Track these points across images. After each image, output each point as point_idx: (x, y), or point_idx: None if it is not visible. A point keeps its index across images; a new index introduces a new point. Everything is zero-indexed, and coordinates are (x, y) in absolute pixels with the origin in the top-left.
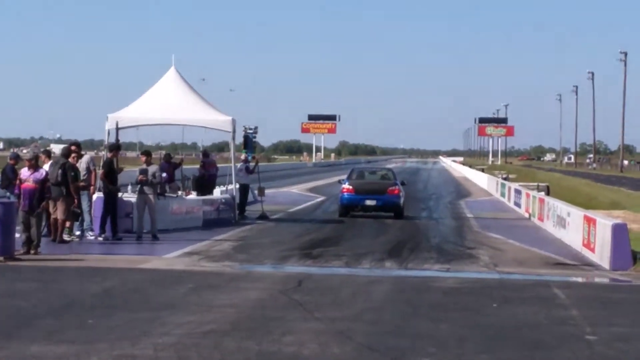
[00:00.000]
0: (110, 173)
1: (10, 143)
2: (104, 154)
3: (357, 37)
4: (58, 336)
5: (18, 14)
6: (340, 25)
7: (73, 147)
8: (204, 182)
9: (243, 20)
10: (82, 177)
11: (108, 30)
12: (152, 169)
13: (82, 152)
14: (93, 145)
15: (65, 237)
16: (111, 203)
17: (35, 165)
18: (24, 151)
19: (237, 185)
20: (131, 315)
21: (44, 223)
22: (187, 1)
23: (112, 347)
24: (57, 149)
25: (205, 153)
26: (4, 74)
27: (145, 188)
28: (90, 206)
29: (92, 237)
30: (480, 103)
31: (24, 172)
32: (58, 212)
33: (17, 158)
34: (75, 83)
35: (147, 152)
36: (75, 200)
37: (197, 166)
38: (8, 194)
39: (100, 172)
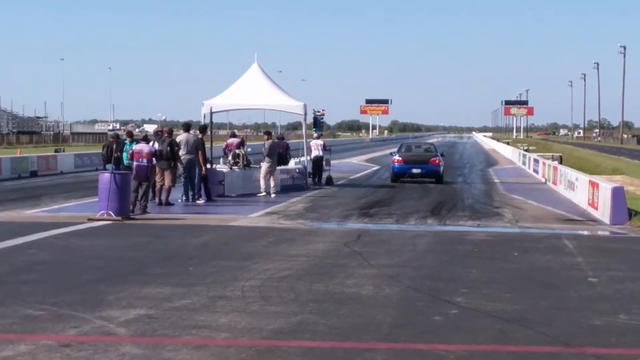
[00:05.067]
0: (202, 149)
1: (125, 124)
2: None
3: (404, 33)
4: (164, 280)
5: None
6: (391, 25)
7: (165, 129)
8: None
9: (314, 22)
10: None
11: (202, 32)
12: (268, 143)
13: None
14: (191, 125)
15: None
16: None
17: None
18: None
19: (310, 158)
20: (223, 264)
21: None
22: (267, 9)
23: (208, 289)
24: (149, 128)
25: (280, 136)
26: (123, 67)
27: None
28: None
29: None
30: (506, 88)
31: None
32: (166, 180)
33: (116, 137)
34: (176, 76)
35: (268, 132)
36: (183, 169)
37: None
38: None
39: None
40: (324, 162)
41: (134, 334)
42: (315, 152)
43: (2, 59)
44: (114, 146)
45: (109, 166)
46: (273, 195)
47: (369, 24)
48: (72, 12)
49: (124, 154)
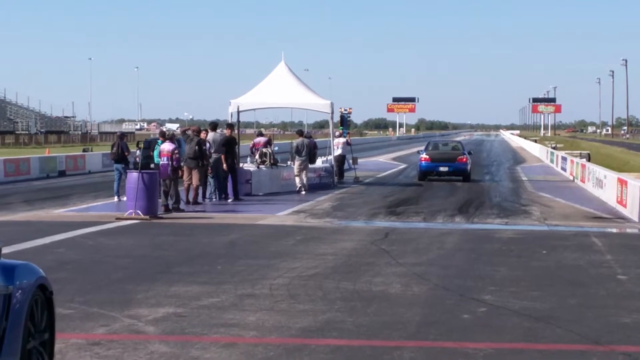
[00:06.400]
0: (229, 147)
1: (151, 123)
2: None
3: (431, 30)
4: (192, 279)
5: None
6: (418, 23)
7: (193, 128)
8: None
9: (340, 20)
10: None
11: (230, 31)
12: (301, 141)
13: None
14: (218, 124)
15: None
16: (232, 172)
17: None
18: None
19: (334, 155)
20: (251, 262)
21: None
22: (293, 7)
23: (236, 288)
24: (172, 127)
25: (308, 135)
26: (150, 66)
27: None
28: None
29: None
30: (533, 85)
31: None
32: (193, 179)
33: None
34: (203, 75)
35: (299, 132)
36: (210, 168)
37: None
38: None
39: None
40: (350, 160)
41: (162, 332)
42: (337, 151)
43: (30, 58)
44: (141, 146)
45: (117, 165)
46: (303, 192)
47: (396, 22)
48: (100, 11)
49: (155, 152)
